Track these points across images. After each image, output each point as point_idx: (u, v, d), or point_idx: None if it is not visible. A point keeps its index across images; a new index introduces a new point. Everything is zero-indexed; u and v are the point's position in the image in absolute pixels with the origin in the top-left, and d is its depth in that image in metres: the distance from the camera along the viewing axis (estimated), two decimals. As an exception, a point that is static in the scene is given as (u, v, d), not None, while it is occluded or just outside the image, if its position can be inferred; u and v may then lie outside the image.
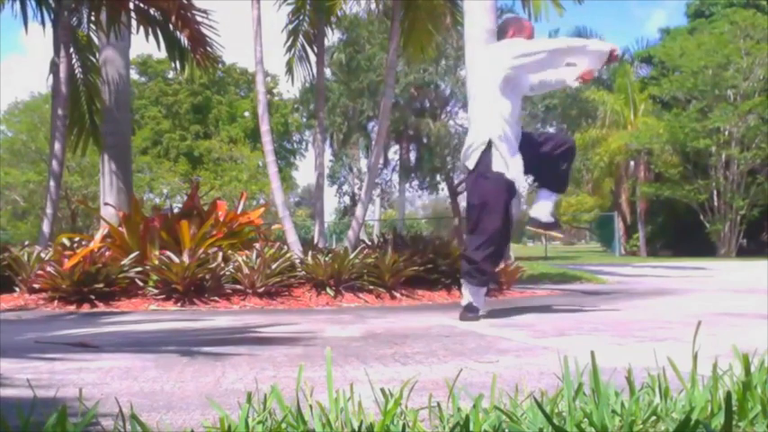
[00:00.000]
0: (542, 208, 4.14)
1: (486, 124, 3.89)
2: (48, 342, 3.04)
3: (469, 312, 3.90)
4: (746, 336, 3.01)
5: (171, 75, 34.39)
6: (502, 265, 5.42)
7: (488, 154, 3.84)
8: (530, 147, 3.99)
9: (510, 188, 3.88)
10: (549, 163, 4.03)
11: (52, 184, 7.44)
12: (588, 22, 71.98)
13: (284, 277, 5.43)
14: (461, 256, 4.16)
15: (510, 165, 3.85)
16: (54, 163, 7.50)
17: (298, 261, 5.66)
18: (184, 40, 8.54)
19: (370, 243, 7.01)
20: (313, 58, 8.92)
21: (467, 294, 3.96)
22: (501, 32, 4.18)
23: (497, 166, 3.84)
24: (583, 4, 9.67)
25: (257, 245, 5.70)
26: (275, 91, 35.67)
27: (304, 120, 33.00)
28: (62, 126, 7.62)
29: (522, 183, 3.95)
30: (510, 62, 3.85)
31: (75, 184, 22.12)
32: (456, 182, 29.56)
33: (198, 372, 2.19)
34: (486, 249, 3.91)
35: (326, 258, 5.55)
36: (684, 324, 3.45)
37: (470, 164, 3.91)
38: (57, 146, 7.54)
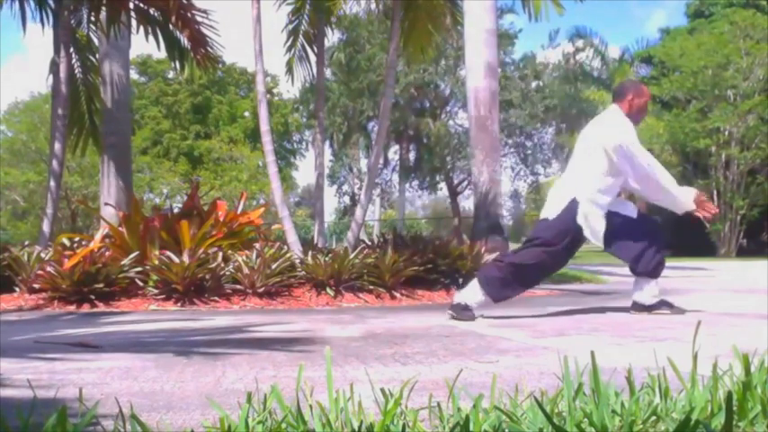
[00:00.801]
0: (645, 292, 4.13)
1: (576, 186, 4.02)
2: (48, 342, 3.04)
3: (464, 311, 3.93)
4: (746, 336, 3.01)
5: (171, 75, 34.37)
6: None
7: (574, 206, 3.96)
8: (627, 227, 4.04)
9: (577, 235, 4.00)
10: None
11: (52, 184, 7.44)
12: (588, 21, 71.89)
13: (284, 277, 5.43)
14: (494, 260, 4.30)
15: (590, 223, 3.96)
16: (54, 163, 7.50)
17: (298, 261, 5.66)
18: (184, 40, 8.53)
19: (369, 243, 7.01)
20: (313, 58, 8.93)
21: (473, 294, 3.97)
22: (619, 95, 4.16)
23: (580, 219, 3.98)
24: (583, 3, 9.70)
25: (257, 245, 5.70)
26: (275, 91, 35.63)
27: (304, 120, 33.02)
28: (62, 126, 7.62)
29: (597, 239, 4.00)
30: (608, 149, 3.95)
31: (75, 184, 22.10)
32: (456, 182, 29.58)
33: (198, 372, 2.19)
34: (515, 264, 4.04)
35: (326, 258, 5.56)
36: (684, 324, 3.45)
37: (551, 214, 4.05)
38: (57, 146, 7.54)
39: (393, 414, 1.14)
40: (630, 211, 4.10)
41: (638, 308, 4.12)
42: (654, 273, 4.05)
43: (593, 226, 3.97)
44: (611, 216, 4.01)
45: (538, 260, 4.00)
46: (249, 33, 6.71)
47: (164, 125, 33.20)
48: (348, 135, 28.51)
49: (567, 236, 3.99)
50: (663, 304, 4.09)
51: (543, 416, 1.10)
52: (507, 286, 4.04)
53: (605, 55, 26.90)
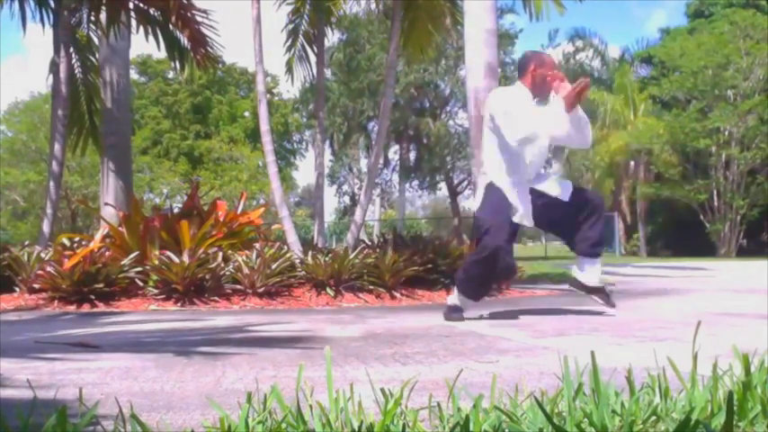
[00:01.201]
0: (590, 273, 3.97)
1: (486, 164, 3.94)
2: (48, 342, 3.04)
3: (453, 313, 3.88)
4: (746, 336, 3.01)
5: (171, 75, 34.35)
6: None
7: (491, 188, 3.84)
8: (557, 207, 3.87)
9: (507, 205, 3.85)
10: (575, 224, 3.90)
11: (52, 184, 7.45)
12: (588, 21, 71.93)
13: (284, 277, 5.43)
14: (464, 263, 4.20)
15: (511, 201, 3.81)
16: (54, 163, 7.51)
17: (298, 261, 5.66)
18: (184, 40, 8.54)
19: (369, 243, 7.01)
20: (313, 58, 8.95)
21: (456, 296, 3.95)
22: (522, 68, 3.98)
23: (507, 196, 3.83)
24: (583, 3, 9.68)
25: (257, 245, 5.71)
26: (275, 91, 35.61)
27: (304, 120, 33.01)
28: (62, 126, 7.63)
29: (526, 220, 3.84)
30: (488, 118, 3.86)
31: (75, 184, 22.11)
32: (456, 182, 29.56)
33: (198, 372, 2.19)
34: (484, 263, 3.83)
35: (326, 258, 5.56)
36: (684, 324, 3.44)
37: (476, 205, 3.98)
38: (56, 146, 7.54)
39: (393, 414, 1.14)
40: (564, 192, 3.86)
41: (577, 285, 4.00)
42: (593, 252, 3.91)
43: (514, 205, 3.79)
44: (538, 197, 3.84)
45: (489, 249, 3.75)
46: (249, 33, 6.71)
47: (164, 125, 33.18)
48: (348, 135, 28.49)
49: (500, 208, 3.80)
50: (601, 291, 3.96)
51: (543, 416, 1.09)
52: (474, 283, 3.89)
53: (605, 55, 26.92)
